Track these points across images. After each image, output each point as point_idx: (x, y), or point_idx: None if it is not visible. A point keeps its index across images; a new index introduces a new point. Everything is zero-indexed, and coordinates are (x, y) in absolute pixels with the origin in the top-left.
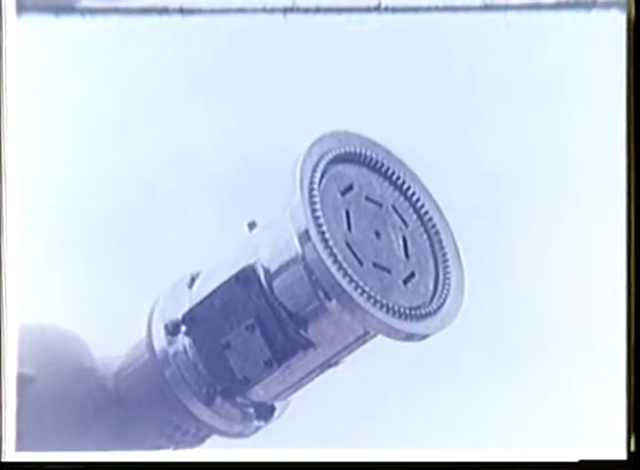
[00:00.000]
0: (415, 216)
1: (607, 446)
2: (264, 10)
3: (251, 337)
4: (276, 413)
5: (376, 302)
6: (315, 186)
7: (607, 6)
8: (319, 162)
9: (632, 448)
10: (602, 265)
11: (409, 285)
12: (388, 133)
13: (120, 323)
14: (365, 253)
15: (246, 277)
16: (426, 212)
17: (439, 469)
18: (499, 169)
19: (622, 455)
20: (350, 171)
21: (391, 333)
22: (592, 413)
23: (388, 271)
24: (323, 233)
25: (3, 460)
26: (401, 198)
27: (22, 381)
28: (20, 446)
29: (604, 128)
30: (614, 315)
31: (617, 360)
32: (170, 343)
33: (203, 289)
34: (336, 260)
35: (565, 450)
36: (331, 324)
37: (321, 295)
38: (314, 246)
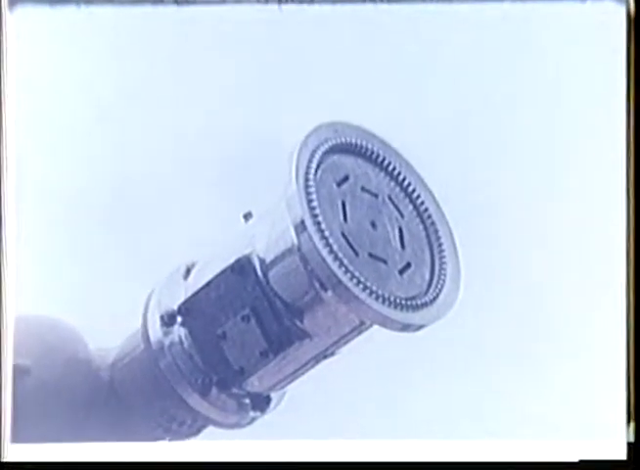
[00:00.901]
0: (411, 207)
1: (606, 445)
2: (259, 0)
3: (246, 327)
4: (272, 404)
5: (372, 292)
6: (311, 176)
7: None
8: (315, 152)
9: (632, 449)
10: (600, 257)
11: (405, 275)
12: (384, 124)
13: (116, 314)
14: (361, 243)
15: (241, 268)
16: (422, 203)
17: (439, 468)
18: (496, 161)
19: (622, 455)
20: (346, 162)
21: (387, 323)
22: (591, 410)
23: (384, 262)
24: (319, 224)
25: (3, 460)
26: (397, 188)
27: (18, 372)
28: (15, 438)
29: (602, 119)
30: (613, 311)
31: (616, 356)
32: (166, 333)
33: (198, 280)
34: (331, 251)
35: (563, 447)
36: (327, 315)
37: (317, 285)
38: (310, 236)
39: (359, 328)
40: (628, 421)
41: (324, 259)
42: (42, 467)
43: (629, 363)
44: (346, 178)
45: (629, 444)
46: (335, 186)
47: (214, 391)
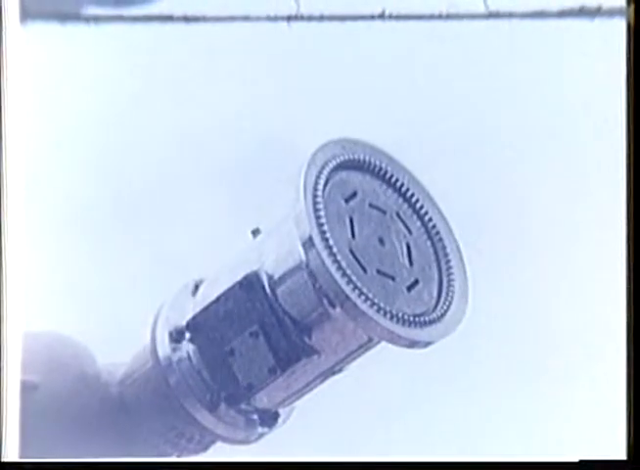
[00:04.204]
0: (419, 223)
1: (607, 446)
2: (268, 18)
3: (254, 344)
4: (280, 420)
5: (379, 309)
6: (319, 193)
7: (610, 14)
8: (323, 168)
9: (632, 449)
10: (605, 272)
11: (413, 292)
12: (392, 140)
13: (124, 330)
14: (369, 260)
15: (249, 284)
16: (429, 220)
17: (439, 468)
18: (503, 176)
19: (622, 455)
20: (354, 178)
21: (395, 340)
22: (592, 413)
23: (392, 278)
24: (327, 240)
25: (3, 460)
26: (405, 205)
27: (26, 388)
28: (23, 454)
29: (606, 135)
30: (614, 318)
31: (617, 361)
32: (174, 350)
33: (207, 296)
34: (340, 267)
35: (565, 450)
36: (334, 331)
37: (325, 302)
38: (318, 253)
39: (367, 345)
40: (629, 430)
41: (332, 276)
42: (42, 467)
43: (630, 373)
44: (354, 195)
45: (630, 452)
46: (343, 202)
47: (223, 407)
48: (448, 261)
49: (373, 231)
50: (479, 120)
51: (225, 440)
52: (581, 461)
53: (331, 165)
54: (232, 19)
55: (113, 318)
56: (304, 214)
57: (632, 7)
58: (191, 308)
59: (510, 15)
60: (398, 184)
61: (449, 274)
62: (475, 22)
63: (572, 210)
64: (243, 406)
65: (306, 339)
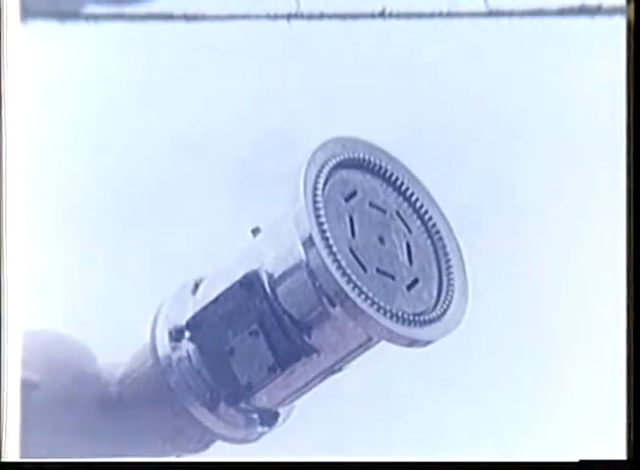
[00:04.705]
0: (419, 222)
1: (607, 446)
2: (268, 16)
3: (254, 343)
4: (280, 419)
5: (379, 308)
6: (319, 192)
7: (611, 12)
8: (323, 167)
9: (632, 449)
10: (605, 270)
11: (413, 291)
12: (393, 139)
13: (124, 329)
14: (369, 259)
15: (249, 283)
16: (429, 218)
17: (439, 468)
18: (504, 175)
19: (622, 455)
20: (354, 177)
21: (395, 339)
22: (592, 413)
23: (392, 277)
24: (327, 239)
25: (3, 460)
26: (405, 204)
27: (26, 387)
28: (24, 453)
29: (606, 135)
30: (615, 317)
31: (617, 361)
32: (174, 349)
33: (206, 295)
34: (340, 266)
35: (565, 450)
36: (334, 330)
37: (325, 301)
38: (318, 252)
39: (367, 344)
40: (629, 430)
41: (332, 275)
42: (42, 467)
43: (630, 372)
44: (354, 194)
45: (630, 452)
46: (343, 201)
47: (223, 406)
48: (448, 260)
49: (373, 230)
50: (479, 120)
51: (225, 439)
52: (581, 461)
53: (331, 164)
54: (232, 17)
55: (113, 318)
56: (304, 213)
57: (632, 5)
58: (191, 307)
59: (510, 13)
60: (398, 183)
61: (449, 273)
62: (475, 20)
63: (572, 210)
64: (243, 405)
65: (306, 338)
